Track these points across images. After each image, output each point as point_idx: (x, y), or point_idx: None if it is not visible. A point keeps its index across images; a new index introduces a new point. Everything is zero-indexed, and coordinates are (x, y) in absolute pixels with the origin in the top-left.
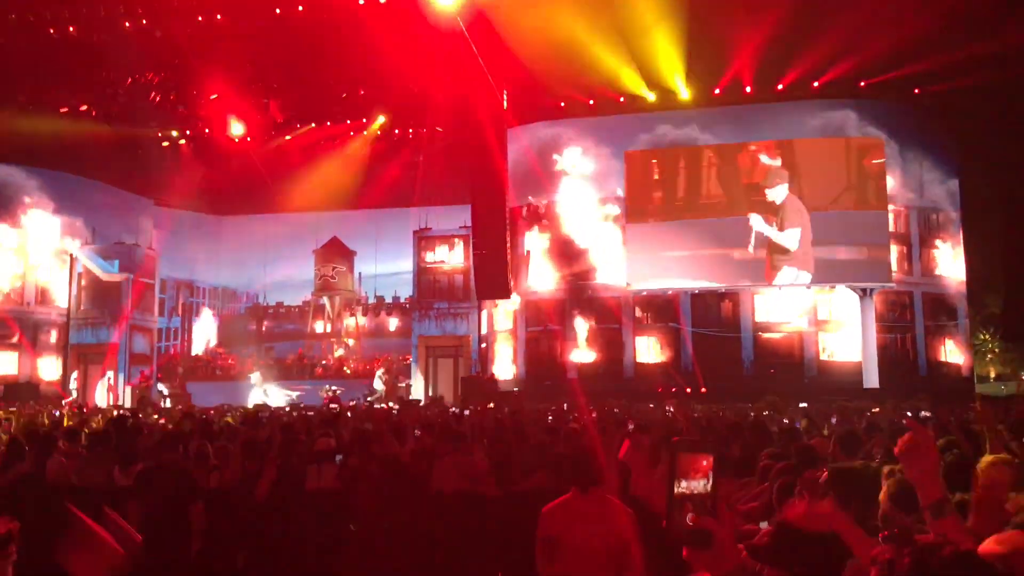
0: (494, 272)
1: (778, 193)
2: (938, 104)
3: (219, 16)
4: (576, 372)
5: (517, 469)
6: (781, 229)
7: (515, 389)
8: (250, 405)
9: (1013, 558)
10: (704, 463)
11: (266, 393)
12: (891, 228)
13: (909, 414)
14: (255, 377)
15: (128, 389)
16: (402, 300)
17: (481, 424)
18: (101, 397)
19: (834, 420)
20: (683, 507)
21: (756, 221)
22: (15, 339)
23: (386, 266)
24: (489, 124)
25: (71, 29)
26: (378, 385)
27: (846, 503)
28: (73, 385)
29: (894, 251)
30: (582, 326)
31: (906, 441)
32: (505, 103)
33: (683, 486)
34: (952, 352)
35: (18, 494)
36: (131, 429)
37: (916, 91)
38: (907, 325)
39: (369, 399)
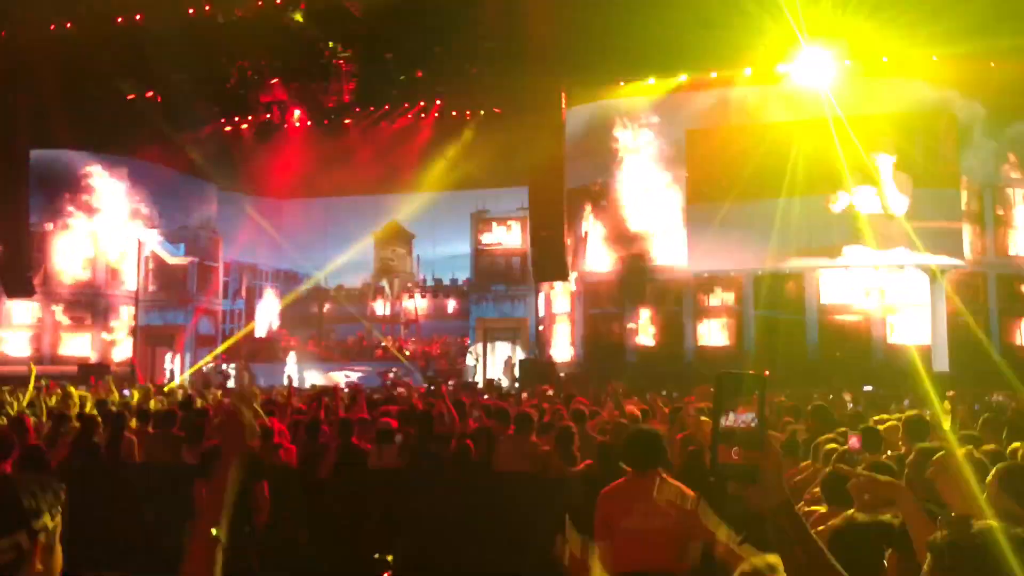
0: (552, 254)
1: (886, 165)
2: (1014, 78)
3: (278, 1)
4: (635, 355)
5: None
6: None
7: (562, 374)
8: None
9: None
10: (751, 398)
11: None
12: (963, 206)
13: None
14: (291, 358)
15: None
16: (460, 282)
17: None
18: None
19: (906, 403)
20: (729, 442)
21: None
22: (88, 321)
23: (444, 248)
24: (547, 103)
25: (137, 17)
26: (471, 361)
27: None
28: (168, 367)
29: (967, 230)
30: (641, 309)
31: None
32: (564, 83)
33: (729, 419)
34: None
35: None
36: (197, 409)
37: (992, 64)
38: (980, 307)
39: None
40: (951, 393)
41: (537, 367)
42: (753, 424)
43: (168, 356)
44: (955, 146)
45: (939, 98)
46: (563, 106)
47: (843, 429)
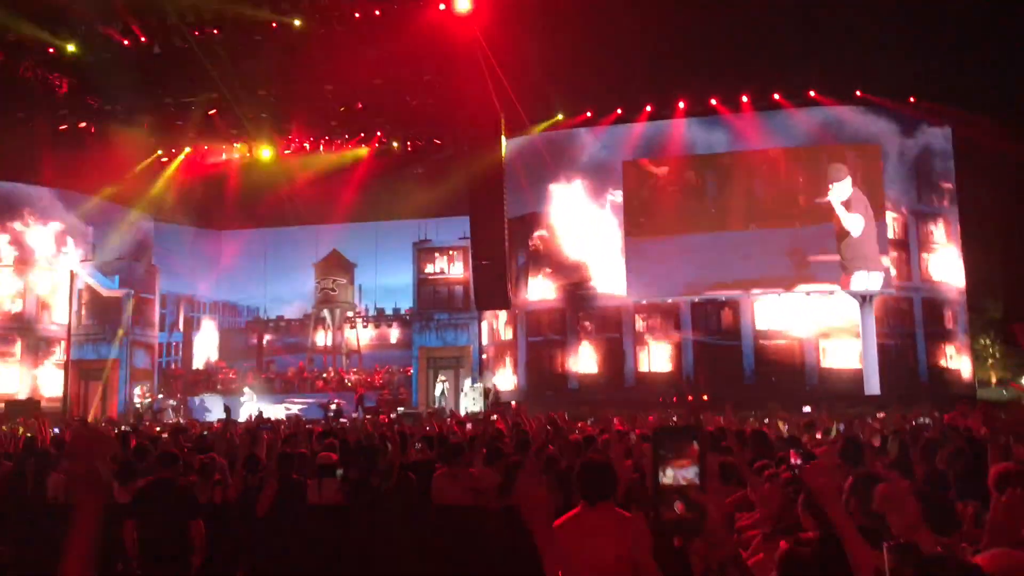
0: (494, 283)
1: (843, 189)
2: (933, 110)
3: (216, 31)
4: (577, 382)
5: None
6: (848, 230)
7: (512, 401)
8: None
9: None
10: (689, 451)
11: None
12: (890, 234)
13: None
14: (247, 392)
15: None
16: (402, 312)
17: (483, 436)
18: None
19: (841, 427)
20: (671, 497)
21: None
22: (16, 355)
23: (386, 278)
24: (487, 135)
25: (70, 48)
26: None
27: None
28: (137, 402)
29: (892, 257)
30: (583, 336)
31: (881, 493)
32: (502, 114)
33: (668, 476)
34: (953, 357)
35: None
36: (132, 447)
37: (911, 99)
38: (907, 331)
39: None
40: (881, 415)
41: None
42: (695, 477)
43: (138, 389)
44: (880, 176)
45: (863, 128)
46: (502, 137)
47: (780, 454)
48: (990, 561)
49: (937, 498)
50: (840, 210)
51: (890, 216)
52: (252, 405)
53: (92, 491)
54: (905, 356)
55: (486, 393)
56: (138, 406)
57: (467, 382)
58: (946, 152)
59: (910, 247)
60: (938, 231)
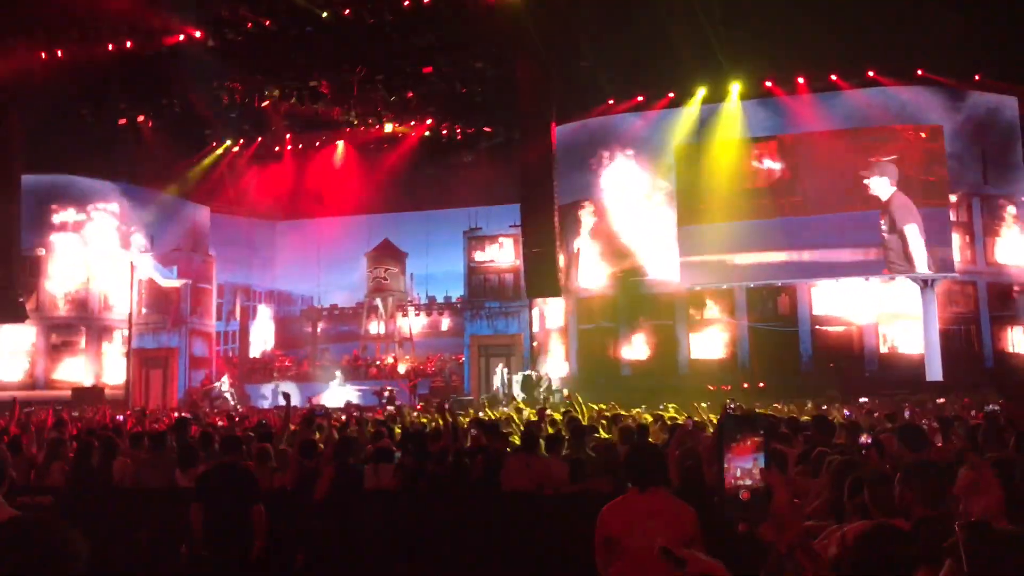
0: (544, 270)
1: (880, 187)
2: (999, 87)
3: (267, 23)
4: (629, 369)
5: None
6: (891, 230)
7: (564, 390)
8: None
9: None
10: (752, 440)
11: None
12: (954, 216)
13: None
14: (338, 376)
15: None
16: (454, 300)
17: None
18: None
19: (907, 414)
20: (735, 483)
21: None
22: (81, 345)
23: (437, 267)
24: (537, 122)
25: (128, 44)
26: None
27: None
28: (225, 388)
29: (957, 240)
30: (635, 323)
31: (965, 480)
32: (553, 100)
33: (733, 463)
34: (1020, 342)
35: None
36: (195, 433)
37: (977, 77)
38: (971, 316)
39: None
40: (941, 400)
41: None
42: (757, 466)
43: (225, 378)
44: (943, 157)
45: (927, 108)
46: (553, 123)
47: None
48: None
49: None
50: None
51: (953, 198)
52: (343, 390)
53: None
54: (969, 341)
55: (533, 381)
56: (227, 394)
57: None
58: (1012, 130)
59: (974, 230)
60: (1004, 212)
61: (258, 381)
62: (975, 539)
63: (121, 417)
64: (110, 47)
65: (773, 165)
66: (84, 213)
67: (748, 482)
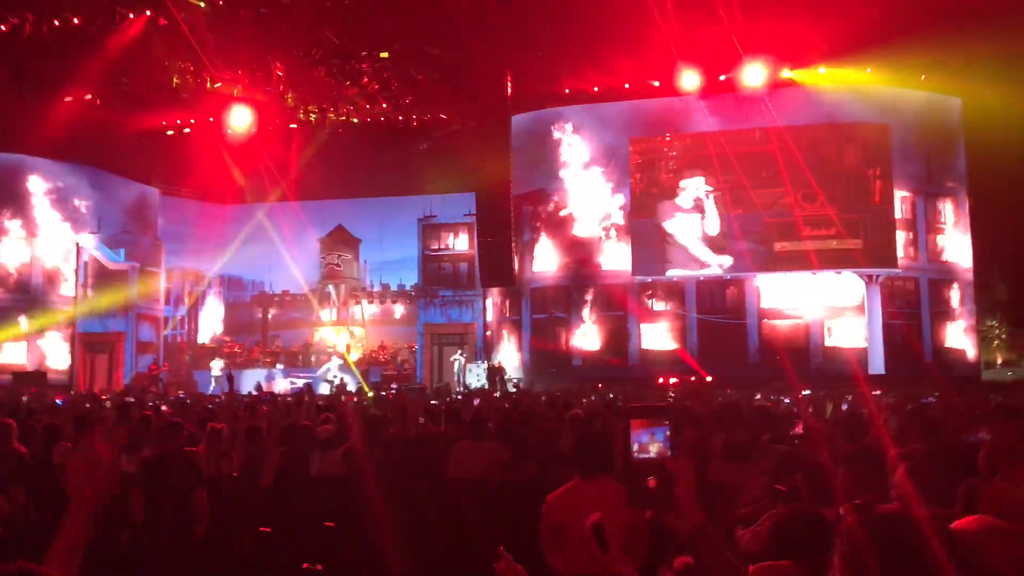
0: (499, 260)
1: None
2: (944, 88)
3: (220, 3)
4: (581, 359)
5: (524, 456)
6: None
7: (515, 379)
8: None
9: (980, 536)
10: (648, 419)
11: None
12: (897, 214)
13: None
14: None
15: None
16: (407, 288)
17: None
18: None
19: (844, 407)
20: (643, 471)
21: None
22: (23, 328)
23: (391, 254)
24: (494, 111)
25: (75, 20)
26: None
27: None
28: (217, 372)
29: (900, 237)
30: (587, 313)
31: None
32: (509, 89)
33: (632, 437)
34: (959, 338)
35: None
36: (138, 416)
37: (923, 77)
38: (913, 311)
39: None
40: (877, 392)
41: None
42: (664, 452)
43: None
44: (888, 156)
45: (875, 108)
46: (509, 113)
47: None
48: (965, 524)
49: (935, 475)
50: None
51: (898, 196)
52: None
53: (91, 480)
54: (910, 336)
55: (493, 370)
56: (217, 375)
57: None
58: (956, 130)
59: (917, 227)
60: (946, 211)
61: (206, 367)
62: (856, 518)
63: (60, 402)
64: (56, 23)
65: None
66: (28, 192)
67: (648, 455)
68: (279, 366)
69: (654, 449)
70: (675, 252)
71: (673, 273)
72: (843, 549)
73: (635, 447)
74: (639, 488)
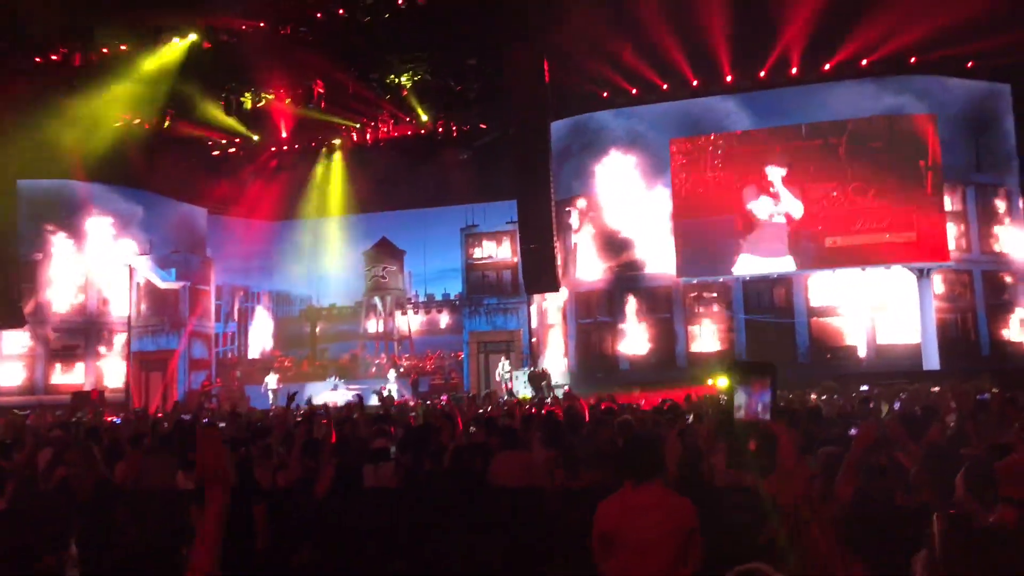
0: (542, 266)
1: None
2: (992, 75)
3: (262, 24)
4: (628, 363)
5: (574, 463)
6: None
7: (565, 386)
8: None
9: None
10: (759, 386)
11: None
12: (948, 206)
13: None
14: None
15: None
16: (452, 297)
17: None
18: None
19: (897, 404)
20: (745, 433)
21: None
22: (80, 350)
23: (435, 264)
24: (533, 118)
25: (122, 48)
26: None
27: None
28: (273, 386)
29: (951, 229)
30: (633, 317)
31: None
32: (548, 95)
33: (741, 412)
34: (1016, 330)
35: None
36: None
37: (969, 64)
38: (967, 305)
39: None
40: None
41: (533, 378)
42: (765, 412)
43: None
44: (937, 147)
45: (920, 99)
46: (548, 119)
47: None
48: None
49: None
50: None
51: (948, 187)
52: (341, 392)
53: (219, 485)
54: (965, 330)
55: (538, 376)
56: (274, 388)
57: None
58: (1005, 118)
59: (968, 219)
60: (999, 201)
61: (258, 382)
62: (952, 530)
63: (119, 420)
64: (104, 51)
65: (764, 157)
66: (81, 217)
67: (768, 416)
68: (332, 379)
69: (755, 411)
70: (751, 244)
71: (740, 271)
72: (929, 558)
73: (758, 408)
74: (740, 451)
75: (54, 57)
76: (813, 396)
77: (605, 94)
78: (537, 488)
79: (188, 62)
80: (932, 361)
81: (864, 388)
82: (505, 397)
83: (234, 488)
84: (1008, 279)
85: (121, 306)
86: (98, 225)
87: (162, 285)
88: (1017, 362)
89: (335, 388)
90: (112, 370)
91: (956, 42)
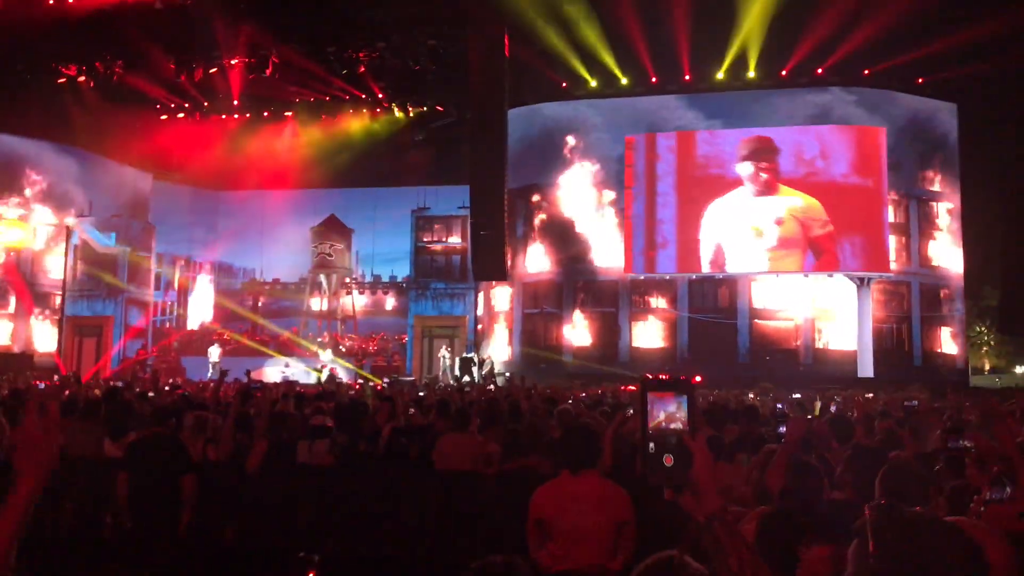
0: (492, 254)
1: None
2: (940, 93)
3: None
4: (571, 355)
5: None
6: None
7: (506, 373)
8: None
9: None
10: (676, 404)
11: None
12: (890, 218)
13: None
14: (213, 351)
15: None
16: (399, 279)
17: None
18: None
19: (832, 408)
20: (659, 447)
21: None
22: (10, 309)
23: (383, 245)
24: (491, 104)
25: (69, 1)
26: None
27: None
28: (215, 359)
29: (892, 241)
30: (578, 309)
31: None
32: (506, 82)
33: (659, 417)
34: (947, 343)
35: None
36: (123, 401)
37: (919, 80)
38: (903, 315)
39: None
40: (870, 395)
41: (474, 365)
42: (682, 428)
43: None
44: (881, 159)
45: (867, 110)
46: (505, 106)
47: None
48: (967, 523)
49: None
50: None
51: (891, 200)
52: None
53: (35, 459)
54: (900, 340)
55: (468, 361)
56: (215, 362)
57: (444, 354)
58: (950, 135)
59: (910, 231)
60: (939, 217)
61: (195, 353)
62: (883, 519)
63: (42, 385)
64: (50, 1)
65: (716, 159)
66: (19, 174)
67: (675, 425)
68: (277, 356)
69: (670, 425)
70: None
71: (665, 271)
72: (862, 548)
73: (651, 423)
74: (655, 466)
75: None
76: (751, 395)
77: (563, 84)
78: (478, 472)
79: (139, 17)
80: (867, 368)
81: (796, 396)
82: (448, 383)
83: (163, 460)
84: (943, 292)
85: (56, 268)
86: (38, 183)
87: (100, 249)
88: (946, 374)
89: (287, 366)
90: (43, 333)
91: (907, 59)
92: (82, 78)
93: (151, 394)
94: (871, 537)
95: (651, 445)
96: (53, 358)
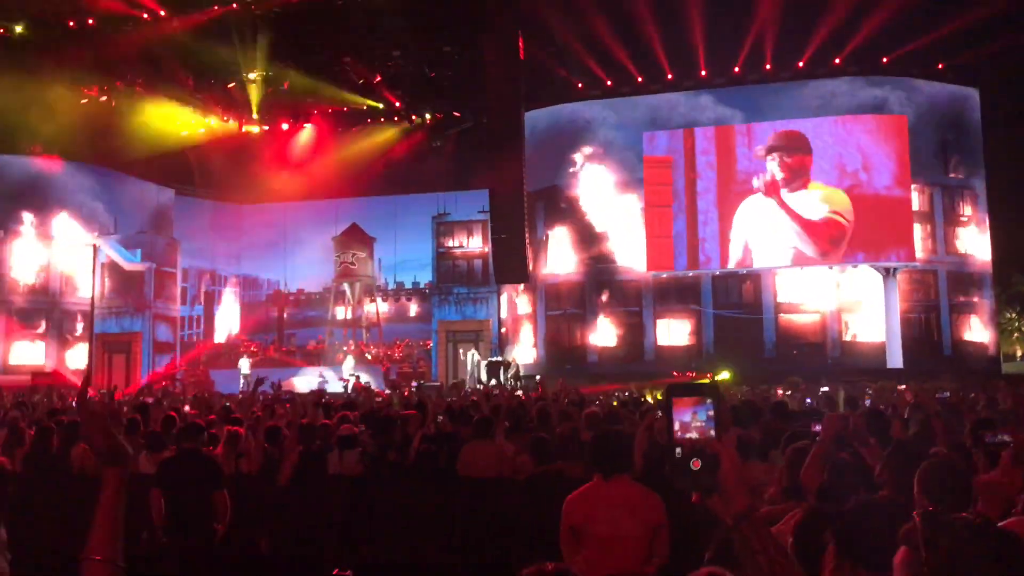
0: (513, 256)
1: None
2: (962, 78)
3: (235, 5)
4: (596, 355)
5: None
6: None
7: (537, 376)
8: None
9: None
10: (693, 397)
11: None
12: (915, 206)
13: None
14: (243, 363)
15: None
16: (422, 286)
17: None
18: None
19: (867, 402)
20: (686, 452)
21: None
22: (41, 329)
23: (405, 252)
24: (507, 108)
25: (89, 22)
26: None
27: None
28: (246, 371)
29: (918, 230)
30: (602, 310)
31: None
32: (523, 85)
33: (675, 416)
34: (977, 331)
35: None
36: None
37: (940, 66)
38: (931, 304)
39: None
40: (902, 387)
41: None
42: (697, 424)
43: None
44: (905, 147)
45: (890, 98)
46: (522, 109)
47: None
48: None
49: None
50: None
51: (916, 188)
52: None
53: (115, 464)
54: (929, 330)
55: (496, 365)
56: (246, 374)
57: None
58: (974, 121)
59: (935, 220)
60: (965, 203)
61: (223, 366)
62: (935, 528)
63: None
64: (71, 24)
65: (737, 154)
66: (45, 194)
67: (691, 435)
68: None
69: (697, 429)
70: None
71: (688, 268)
72: (912, 557)
73: (676, 427)
74: (682, 471)
75: (18, 28)
76: (779, 391)
77: (580, 85)
78: (505, 479)
79: (159, 38)
80: (896, 359)
81: (825, 389)
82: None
83: (196, 478)
84: (971, 280)
85: (85, 286)
86: (64, 203)
87: (127, 266)
88: (977, 362)
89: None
90: (74, 352)
91: (928, 45)
92: (104, 97)
93: (187, 408)
94: (923, 547)
95: (677, 450)
96: (80, 375)
